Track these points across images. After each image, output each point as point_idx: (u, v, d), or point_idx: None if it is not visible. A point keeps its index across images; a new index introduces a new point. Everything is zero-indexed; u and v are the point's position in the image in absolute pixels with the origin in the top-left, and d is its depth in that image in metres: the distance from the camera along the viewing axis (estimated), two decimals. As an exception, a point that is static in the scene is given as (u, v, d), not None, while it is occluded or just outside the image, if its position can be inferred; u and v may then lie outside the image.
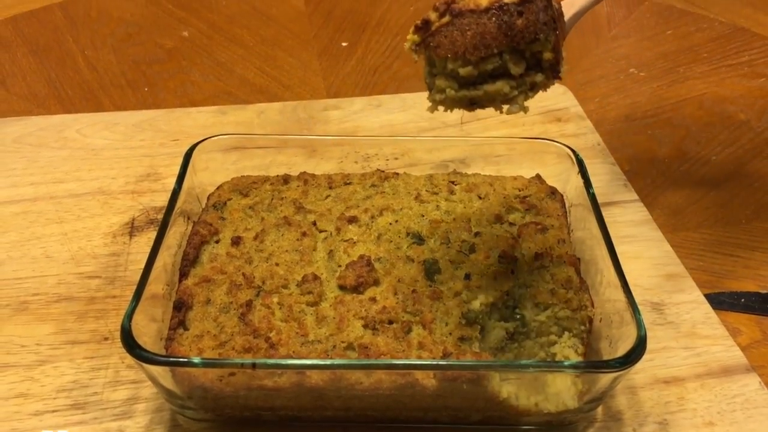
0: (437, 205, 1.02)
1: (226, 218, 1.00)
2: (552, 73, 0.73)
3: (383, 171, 1.09)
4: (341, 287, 0.90)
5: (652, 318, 0.99)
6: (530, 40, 0.67)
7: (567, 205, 1.06)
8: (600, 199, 1.00)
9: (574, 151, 1.06)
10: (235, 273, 0.91)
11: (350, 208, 1.01)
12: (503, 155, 1.18)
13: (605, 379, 0.78)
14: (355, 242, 0.96)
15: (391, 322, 0.86)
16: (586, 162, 1.05)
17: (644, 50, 1.69)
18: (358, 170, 1.21)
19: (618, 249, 0.86)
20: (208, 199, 1.05)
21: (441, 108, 0.77)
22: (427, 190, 1.05)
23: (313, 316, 0.87)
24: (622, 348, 0.80)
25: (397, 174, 1.09)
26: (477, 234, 0.97)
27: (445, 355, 0.82)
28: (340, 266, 0.93)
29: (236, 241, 0.96)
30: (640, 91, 1.56)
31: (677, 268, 1.08)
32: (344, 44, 1.65)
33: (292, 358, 0.81)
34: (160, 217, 1.15)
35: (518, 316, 0.91)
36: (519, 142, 1.16)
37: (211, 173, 1.13)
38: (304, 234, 0.97)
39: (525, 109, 0.75)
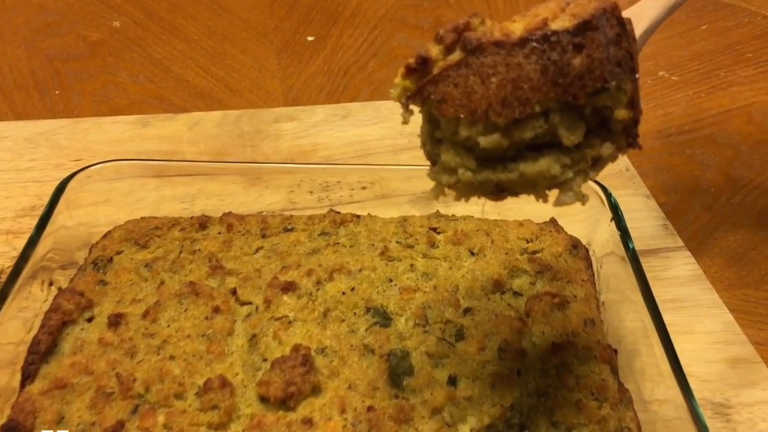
0: (411, 265, 0.72)
1: (109, 283, 0.70)
2: (626, 138, 0.47)
3: (338, 212, 0.79)
4: (262, 399, 0.60)
5: (715, 427, 0.70)
6: (594, 91, 0.45)
7: (595, 263, 0.76)
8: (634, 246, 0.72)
9: (604, 188, 0.76)
10: (107, 373, 0.61)
11: (288, 268, 0.71)
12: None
13: None
14: (290, 321, 0.66)
15: (333, 460, 0.56)
16: (615, 194, 0.76)
17: (675, 49, 1.40)
18: (314, 202, 0.92)
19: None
20: (90, 251, 0.75)
21: (451, 193, 0.50)
22: (398, 242, 0.75)
23: (216, 449, 0.57)
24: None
25: (358, 217, 0.79)
26: (467, 311, 0.67)
27: None
28: (265, 361, 0.63)
29: (115, 322, 0.66)
30: (673, 100, 1.26)
31: (744, 348, 0.80)
32: (310, 38, 1.36)
33: None
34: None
35: (528, 443, 0.61)
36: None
37: (110, 209, 0.83)
38: (216, 310, 0.67)
39: (583, 199, 0.49)
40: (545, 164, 0.46)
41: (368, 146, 1.07)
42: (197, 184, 0.92)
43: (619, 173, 1.03)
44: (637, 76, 0.46)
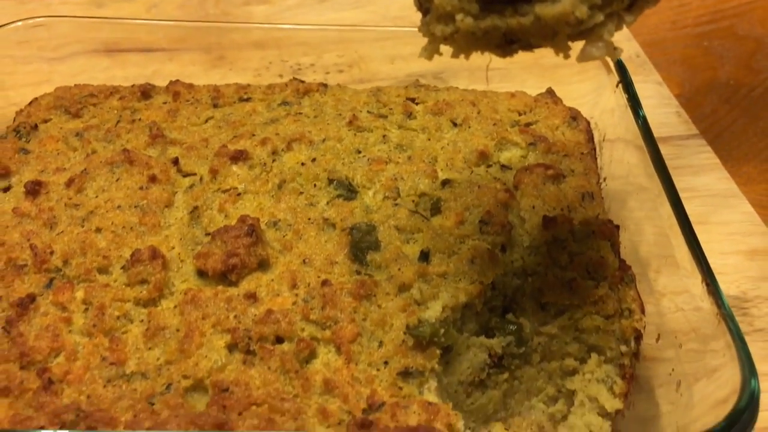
0: (384, 136, 0.62)
1: (32, 152, 0.61)
2: None
3: (302, 81, 0.69)
4: (201, 273, 0.51)
5: (730, 322, 0.59)
6: None
7: (597, 138, 0.66)
8: (645, 133, 0.62)
9: (609, 50, 0.65)
10: (20, 245, 0.53)
11: (240, 137, 0.61)
12: (500, 68, 0.79)
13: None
14: (239, 194, 0.57)
15: (280, 341, 0.47)
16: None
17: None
18: (284, 86, 0.83)
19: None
20: (15, 119, 0.65)
21: (447, 48, 0.42)
22: (369, 111, 0.65)
23: (142, 327, 0.48)
24: (708, 396, 0.42)
25: (325, 86, 0.68)
26: (446, 183, 0.58)
27: (372, 408, 0.44)
28: (208, 235, 0.54)
29: (34, 190, 0.56)
30: (689, -10, 1.14)
31: (764, 240, 0.71)
32: None
33: (74, 412, 0.43)
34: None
35: (512, 327, 0.52)
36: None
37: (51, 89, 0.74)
38: (153, 179, 0.57)
39: (615, 52, 0.40)
40: (568, 4, 0.37)
41: (348, 35, 0.96)
42: (153, 64, 0.83)
43: (630, 60, 0.92)
44: None
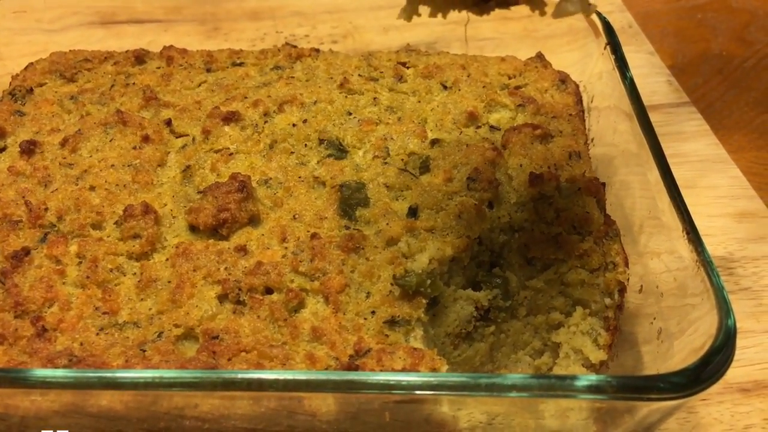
0: (374, 98, 0.63)
1: (27, 114, 0.61)
2: None
3: (295, 46, 0.70)
4: (193, 228, 0.52)
5: (716, 282, 0.60)
6: None
7: (585, 101, 0.67)
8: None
9: (600, 16, 0.66)
10: (15, 202, 0.53)
11: (232, 99, 0.62)
12: (492, 38, 0.80)
13: (653, 409, 0.41)
14: (231, 154, 0.58)
15: (269, 291, 0.48)
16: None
17: None
18: (279, 57, 0.84)
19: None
20: (10, 83, 0.66)
21: (424, 9, 0.45)
22: (360, 75, 0.65)
23: (134, 279, 0.49)
24: (686, 345, 0.43)
25: (318, 51, 0.69)
26: (435, 143, 0.58)
27: (359, 354, 0.45)
28: (200, 193, 0.54)
29: (28, 150, 0.57)
30: (684, -36, 1.14)
31: (752, 203, 0.72)
32: None
33: (67, 357, 0.44)
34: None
35: (498, 281, 0.53)
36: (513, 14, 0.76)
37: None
38: (146, 139, 0.58)
39: (589, 9, 0.41)
40: None
41: (343, 6, 0.97)
42: (148, 35, 0.83)
43: (622, 30, 0.93)
44: None
